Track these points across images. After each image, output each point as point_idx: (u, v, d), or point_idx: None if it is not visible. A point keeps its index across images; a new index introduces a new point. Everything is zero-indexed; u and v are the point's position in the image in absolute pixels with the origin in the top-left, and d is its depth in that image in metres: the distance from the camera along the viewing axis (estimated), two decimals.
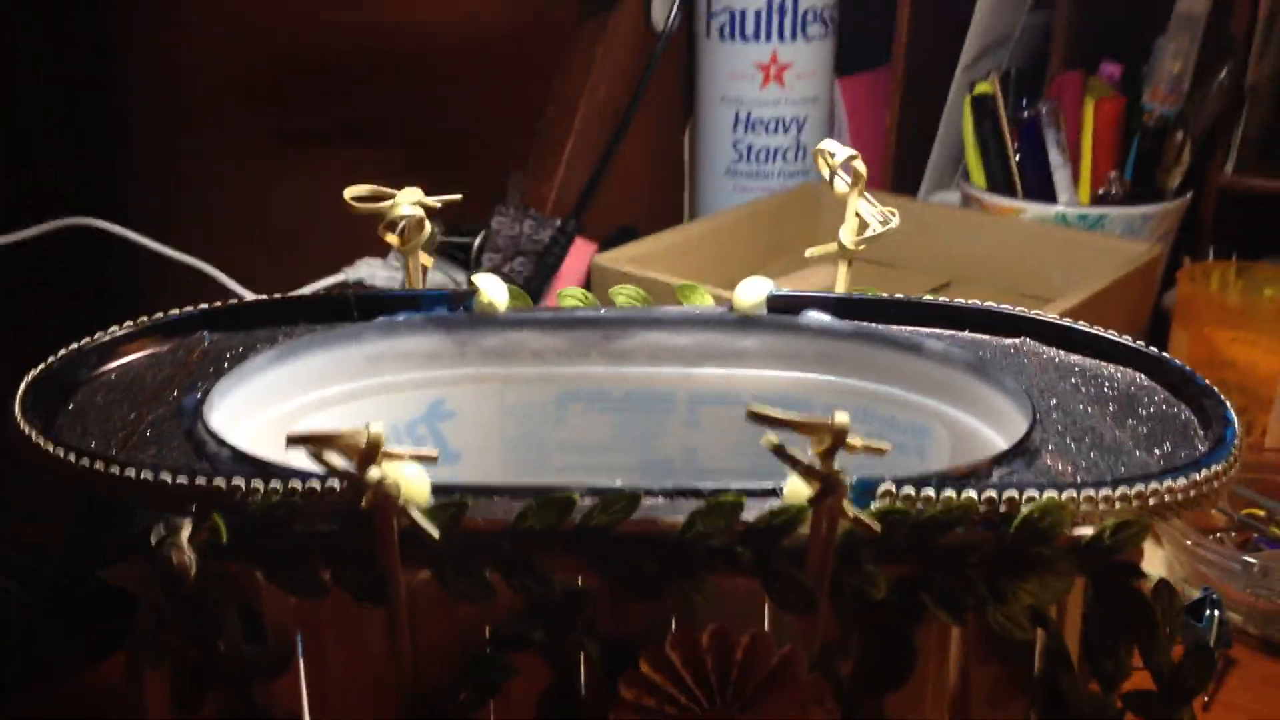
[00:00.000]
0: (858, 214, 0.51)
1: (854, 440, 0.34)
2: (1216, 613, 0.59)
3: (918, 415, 0.48)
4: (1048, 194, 0.86)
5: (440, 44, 0.91)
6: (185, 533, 0.38)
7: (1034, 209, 0.83)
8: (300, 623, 0.38)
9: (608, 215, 1.00)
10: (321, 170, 0.93)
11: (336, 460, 0.34)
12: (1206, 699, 0.58)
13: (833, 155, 0.50)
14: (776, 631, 0.37)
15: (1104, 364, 0.47)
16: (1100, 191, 0.85)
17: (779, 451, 0.34)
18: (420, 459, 0.35)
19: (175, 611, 0.38)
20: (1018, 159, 0.86)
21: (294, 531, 0.36)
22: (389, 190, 0.50)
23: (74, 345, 0.46)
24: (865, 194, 0.50)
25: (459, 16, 0.91)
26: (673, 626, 0.38)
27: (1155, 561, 0.66)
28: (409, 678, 0.38)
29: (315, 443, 0.33)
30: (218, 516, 0.36)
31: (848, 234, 0.51)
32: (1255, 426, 0.74)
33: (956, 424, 0.47)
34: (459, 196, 0.52)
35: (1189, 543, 0.63)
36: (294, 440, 0.33)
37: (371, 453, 0.33)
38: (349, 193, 0.50)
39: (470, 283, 0.51)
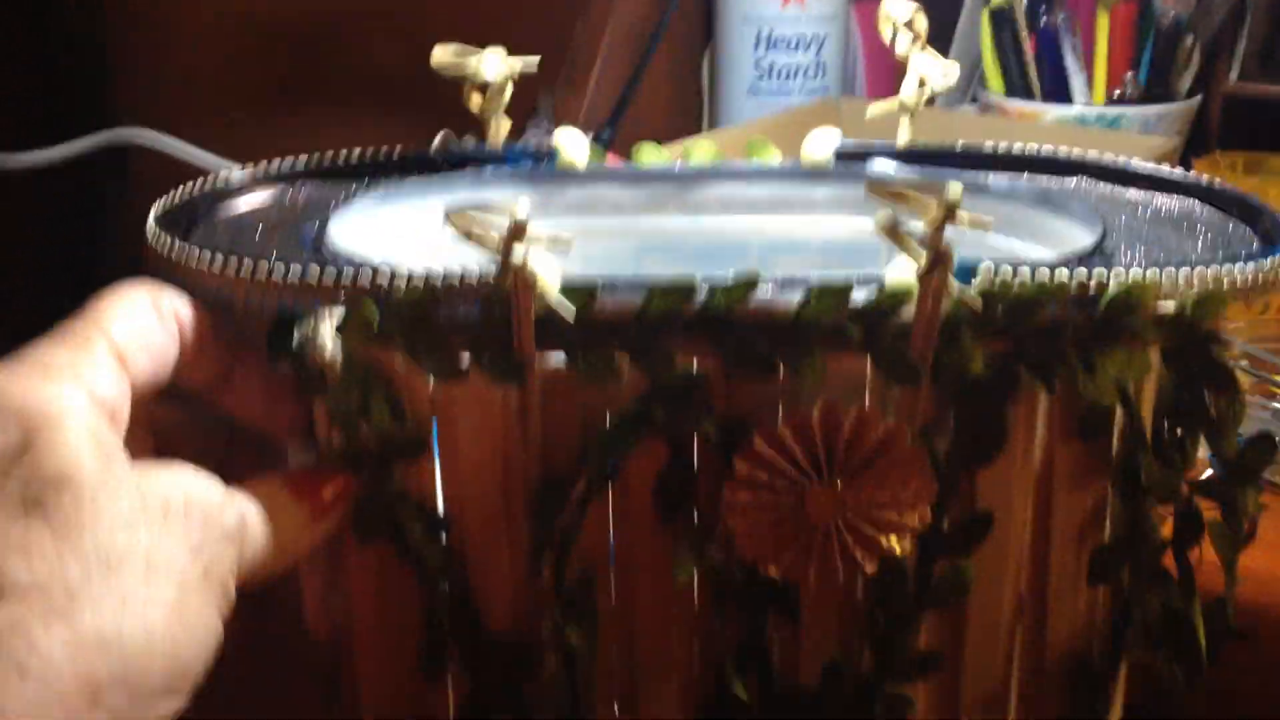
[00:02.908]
0: (918, 70, 0.54)
1: (962, 214, 0.37)
2: None
3: (988, 253, 0.51)
4: (1064, 98, 0.89)
5: None
6: (329, 325, 0.40)
7: (1053, 111, 0.87)
8: (436, 409, 0.41)
9: (633, 135, 1.03)
10: (342, 117, 0.95)
11: (484, 237, 0.36)
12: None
13: (894, 15, 0.53)
14: (879, 409, 0.40)
15: (1159, 194, 0.50)
16: (1115, 93, 0.88)
17: (891, 228, 0.37)
18: (556, 244, 0.38)
19: (320, 401, 0.41)
20: (1035, 66, 0.89)
21: (436, 318, 0.39)
22: (473, 48, 0.52)
23: (186, 187, 0.48)
24: (927, 48, 0.53)
25: None
26: (781, 408, 0.41)
27: None
28: (536, 461, 0.41)
29: (469, 213, 0.35)
30: (369, 303, 0.38)
31: (910, 89, 0.54)
32: (1271, 305, 0.78)
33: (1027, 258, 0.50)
34: (537, 59, 0.55)
35: None
36: (451, 215, 0.36)
37: (518, 232, 0.36)
38: (435, 57, 0.52)
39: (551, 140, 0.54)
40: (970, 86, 0.98)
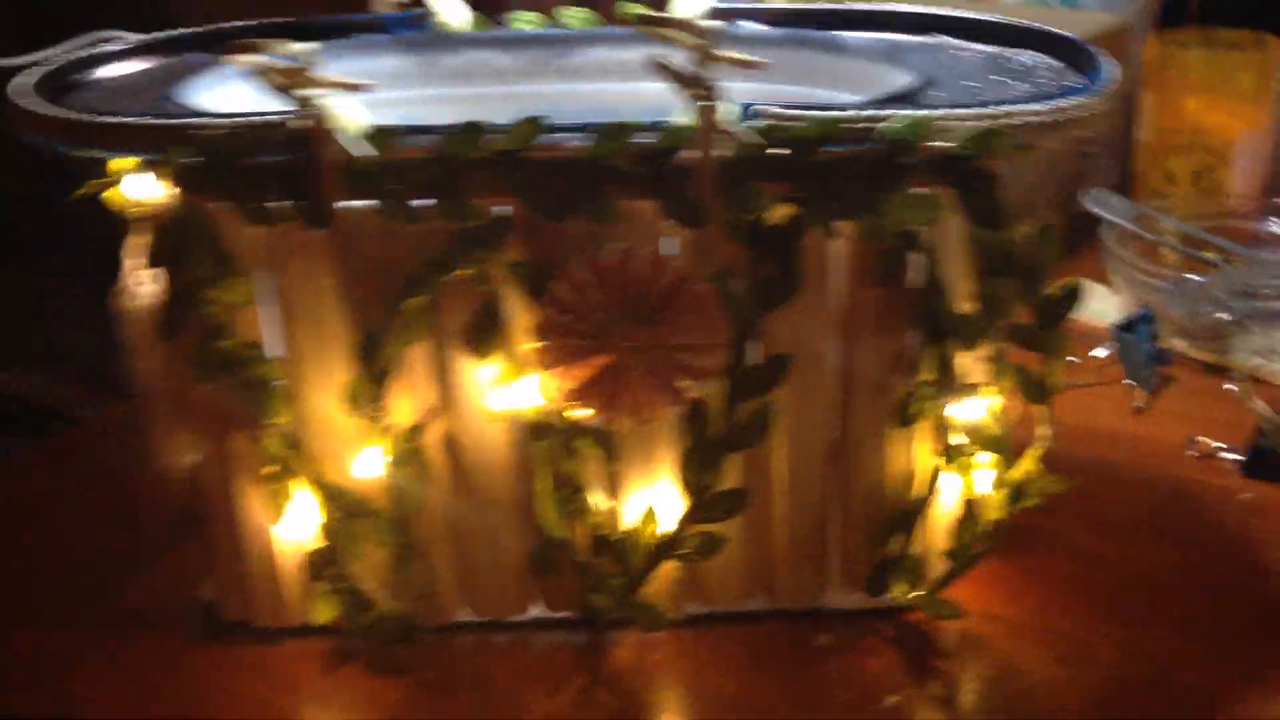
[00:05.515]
0: None
1: (723, 53, 0.38)
2: (1149, 325, 0.62)
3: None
4: None
5: None
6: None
7: None
8: (261, 254, 0.43)
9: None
10: None
11: (274, 77, 0.38)
12: (1143, 405, 0.62)
13: None
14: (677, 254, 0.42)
15: (1012, 49, 0.50)
16: None
17: (659, 65, 0.38)
18: (348, 87, 0.40)
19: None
20: None
21: (249, 164, 0.41)
22: None
23: (68, 58, 0.51)
24: None
25: None
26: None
27: (1108, 304, 0.69)
28: (354, 303, 0.43)
29: (251, 49, 0.37)
30: (175, 148, 0.41)
31: None
32: (1219, 180, 0.76)
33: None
34: None
35: (1138, 275, 0.66)
36: (234, 51, 0.37)
37: (294, 74, 0.38)
38: None
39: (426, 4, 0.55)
40: None
